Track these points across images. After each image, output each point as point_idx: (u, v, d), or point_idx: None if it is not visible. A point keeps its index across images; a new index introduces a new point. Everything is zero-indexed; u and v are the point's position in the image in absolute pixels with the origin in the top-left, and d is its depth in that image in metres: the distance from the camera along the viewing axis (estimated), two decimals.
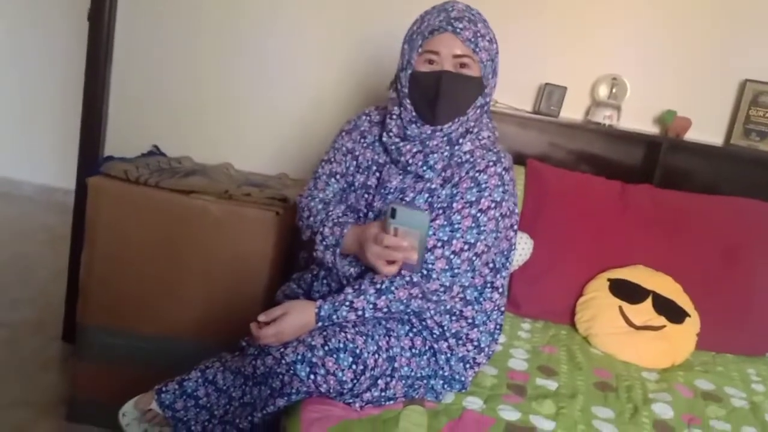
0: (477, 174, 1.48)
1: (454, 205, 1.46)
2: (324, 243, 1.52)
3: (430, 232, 1.43)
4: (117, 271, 1.90)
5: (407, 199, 1.49)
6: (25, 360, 2.30)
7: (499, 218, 1.49)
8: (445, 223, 1.45)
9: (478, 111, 1.51)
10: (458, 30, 1.43)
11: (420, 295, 1.44)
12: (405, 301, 1.42)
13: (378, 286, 1.41)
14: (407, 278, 1.42)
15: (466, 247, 1.45)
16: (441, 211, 1.47)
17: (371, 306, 1.40)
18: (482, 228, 1.46)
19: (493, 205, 1.47)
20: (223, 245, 1.88)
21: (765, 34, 2.25)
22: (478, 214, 1.45)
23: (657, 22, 2.28)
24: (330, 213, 1.56)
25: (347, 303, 1.40)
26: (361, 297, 1.40)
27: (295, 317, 1.39)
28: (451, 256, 1.44)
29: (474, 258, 1.47)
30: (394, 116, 1.53)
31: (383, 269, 1.40)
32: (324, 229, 1.52)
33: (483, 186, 1.47)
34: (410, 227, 1.36)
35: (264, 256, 1.89)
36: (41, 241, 3.33)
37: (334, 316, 1.39)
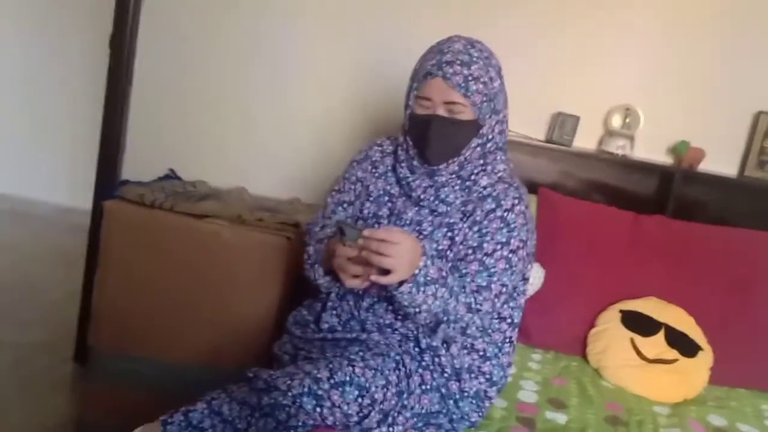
0: (505, 213, 1.48)
1: (485, 246, 1.45)
2: (309, 261, 1.56)
3: (468, 279, 1.44)
4: (130, 295, 1.91)
5: (425, 232, 1.50)
6: (35, 381, 2.31)
7: (525, 258, 1.51)
8: (481, 268, 1.45)
9: (478, 150, 1.51)
10: (448, 75, 1.43)
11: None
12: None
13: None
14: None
15: (503, 289, 1.46)
16: (470, 252, 1.46)
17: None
18: (514, 268, 1.47)
19: (521, 245, 1.48)
20: (234, 270, 1.89)
21: None
22: (510, 255, 1.46)
23: (670, 52, 2.28)
24: (318, 232, 1.59)
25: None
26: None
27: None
28: (494, 299, 1.45)
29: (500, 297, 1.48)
30: (402, 148, 1.56)
31: (347, 282, 1.40)
32: (309, 248, 1.56)
33: (512, 226, 1.47)
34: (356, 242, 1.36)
35: (275, 281, 1.89)
36: (54, 262, 3.35)
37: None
